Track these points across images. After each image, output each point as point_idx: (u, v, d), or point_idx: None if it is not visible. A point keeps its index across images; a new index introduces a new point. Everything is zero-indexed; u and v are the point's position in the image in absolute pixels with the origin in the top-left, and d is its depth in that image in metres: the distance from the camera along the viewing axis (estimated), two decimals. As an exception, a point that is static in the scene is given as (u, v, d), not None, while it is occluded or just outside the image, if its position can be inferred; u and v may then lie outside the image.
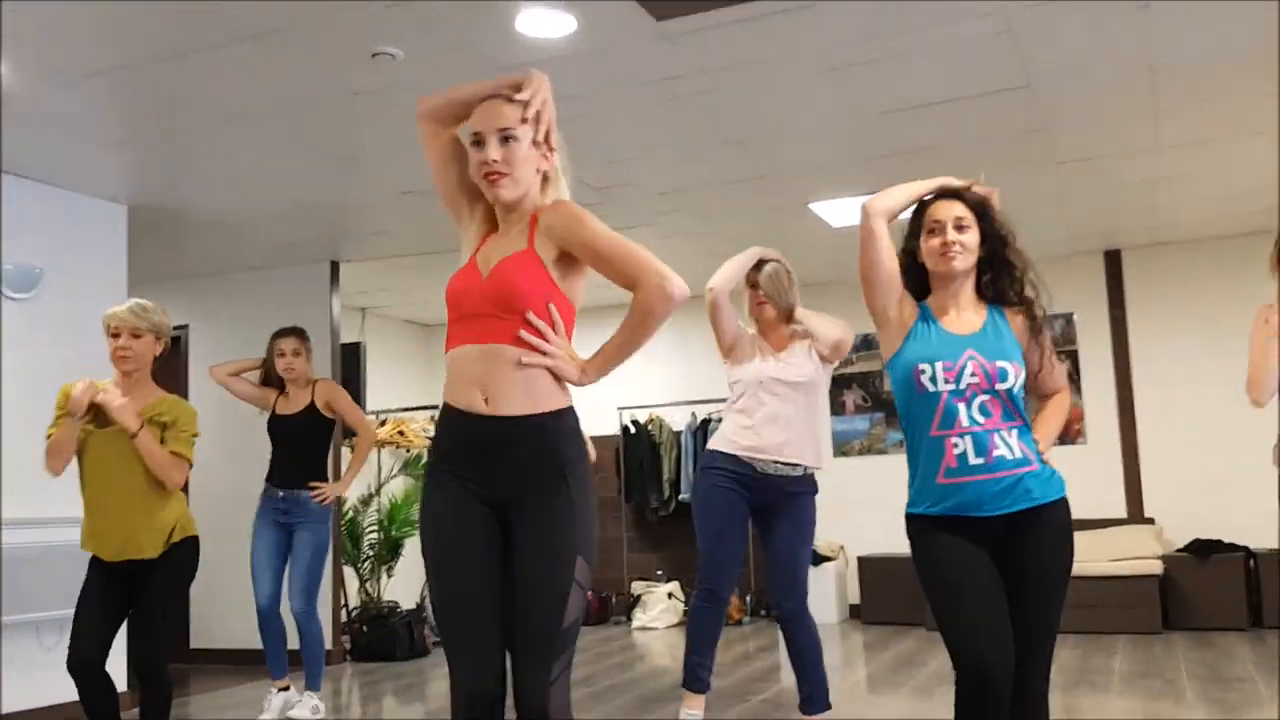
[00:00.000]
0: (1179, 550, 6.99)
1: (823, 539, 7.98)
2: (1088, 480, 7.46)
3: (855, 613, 7.89)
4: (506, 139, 2.17)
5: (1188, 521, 7.13)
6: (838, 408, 8.23)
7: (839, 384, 8.23)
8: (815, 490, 3.97)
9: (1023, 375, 2.46)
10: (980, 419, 2.40)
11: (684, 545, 7.87)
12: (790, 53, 4.11)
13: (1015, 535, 2.41)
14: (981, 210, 2.54)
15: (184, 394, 7.27)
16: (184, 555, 3.55)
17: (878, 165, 5.51)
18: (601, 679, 5.76)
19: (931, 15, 3.83)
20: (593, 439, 4.73)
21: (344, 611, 7.12)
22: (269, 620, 4.80)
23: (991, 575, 2.41)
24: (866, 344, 8.15)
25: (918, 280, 2.59)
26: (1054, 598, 2.44)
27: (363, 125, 4.71)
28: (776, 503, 3.89)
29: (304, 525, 4.84)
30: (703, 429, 8.22)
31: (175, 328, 7.45)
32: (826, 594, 7.73)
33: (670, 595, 8.17)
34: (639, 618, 8.15)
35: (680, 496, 8.24)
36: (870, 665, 6.05)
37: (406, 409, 8.20)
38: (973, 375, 2.42)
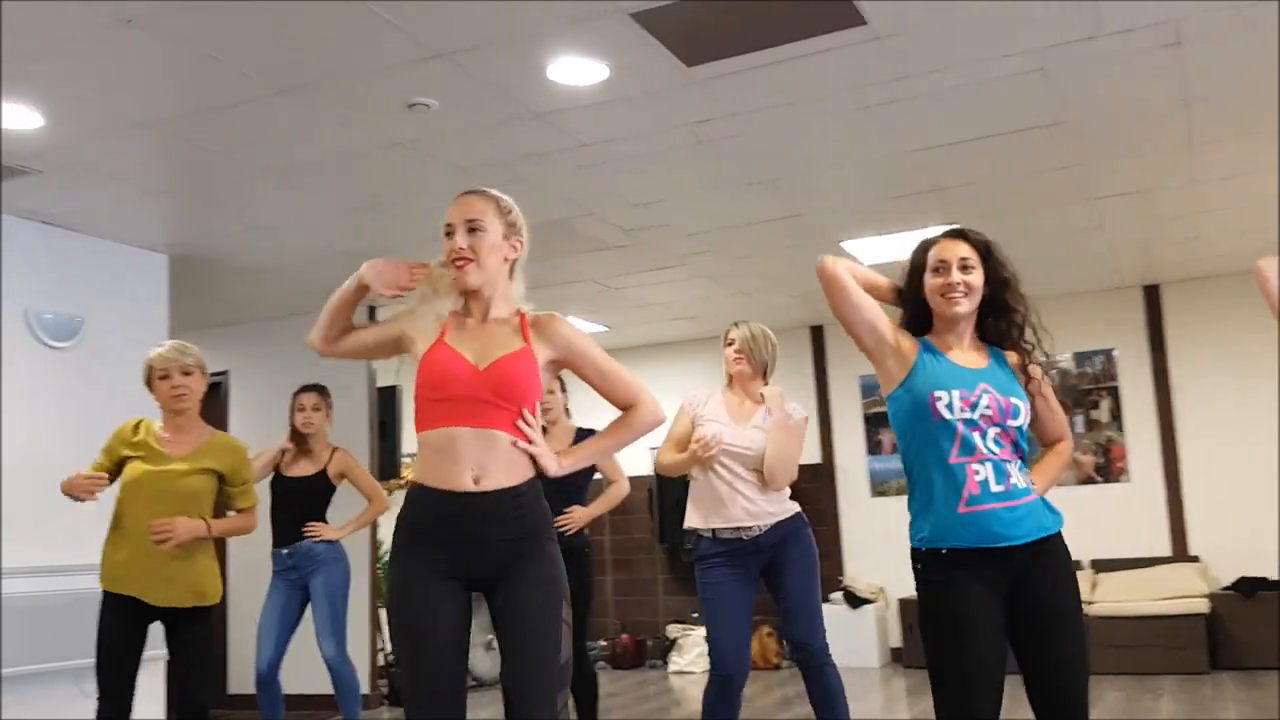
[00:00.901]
0: (1225, 588, 6.84)
1: (861, 581, 7.90)
2: (1131, 518, 7.35)
3: (896, 656, 7.77)
4: (474, 229, 2.41)
5: (1233, 559, 6.98)
6: (874, 447, 8.17)
7: (875, 423, 8.17)
8: (804, 523, 3.87)
9: (1029, 417, 2.48)
10: (995, 450, 2.40)
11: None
12: (821, 94, 4.13)
13: (1034, 567, 2.38)
14: (986, 251, 2.53)
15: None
16: (215, 607, 3.61)
17: (910, 202, 5.50)
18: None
19: (963, 55, 3.84)
20: (629, 479, 4.72)
21: (380, 655, 7.11)
22: (267, 684, 4.76)
23: (997, 638, 2.36)
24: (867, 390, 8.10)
25: (919, 317, 2.58)
26: (1080, 628, 2.41)
27: (398, 174, 4.78)
28: (774, 557, 3.78)
29: (316, 572, 4.84)
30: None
31: (215, 374, 7.60)
32: (867, 637, 7.62)
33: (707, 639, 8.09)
34: (675, 661, 8.07)
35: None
36: (913, 710, 5.95)
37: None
38: (987, 408, 2.41)
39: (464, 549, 2.30)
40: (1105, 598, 6.90)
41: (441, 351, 2.36)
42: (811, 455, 8.40)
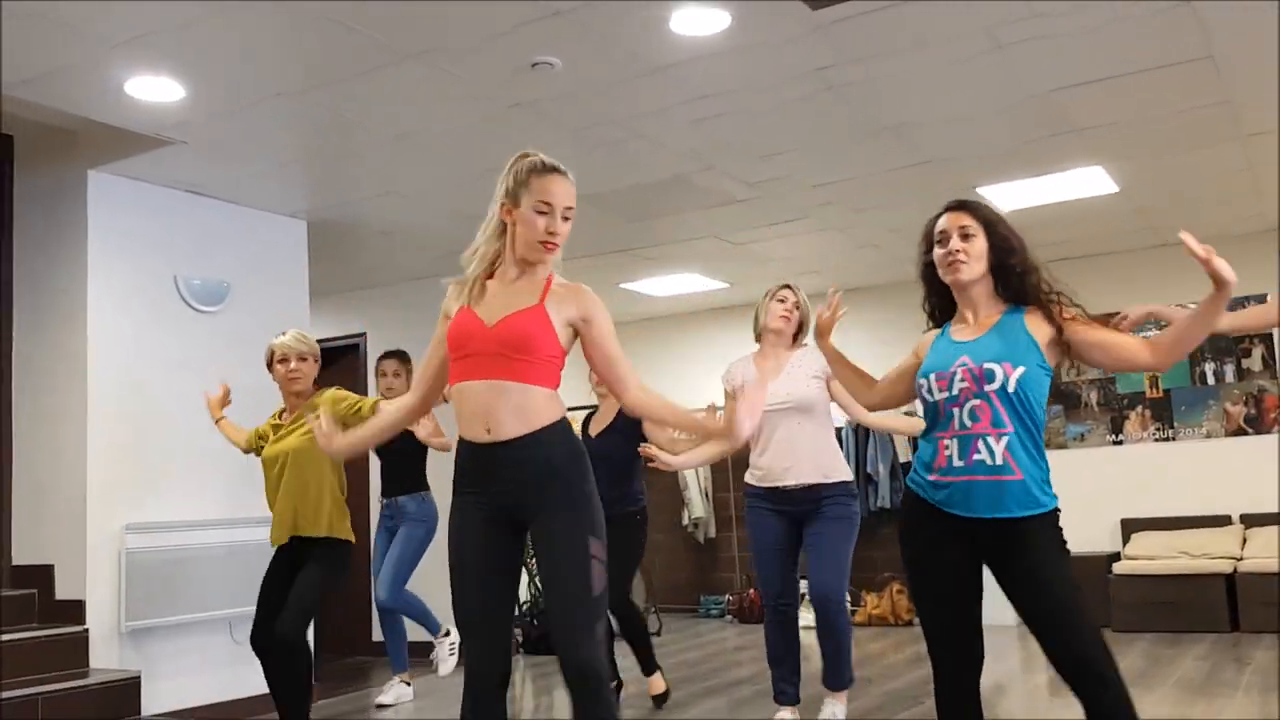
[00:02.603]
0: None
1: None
2: (1286, 472, 6.97)
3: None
4: (567, 218, 2.58)
5: (1405, 516, 6.56)
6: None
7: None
8: (852, 495, 4.19)
9: (1020, 374, 2.45)
10: (969, 423, 2.47)
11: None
12: (951, 35, 3.98)
13: (1000, 541, 2.46)
14: (987, 219, 2.60)
15: (363, 394, 7.63)
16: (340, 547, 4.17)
17: (1047, 145, 5.28)
18: (765, 679, 5.73)
19: (1103, -14, 3.64)
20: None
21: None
22: (384, 617, 5.41)
23: (951, 585, 2.54)
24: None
25: (942, 293, 2.68)
26: (1052, 587, 2.43)
27: (521, 136, 4.80)
28: (808, 516, 4.13)
29: (401, 525, 5.34)
30: (863, 431, 8.04)
31: (353, 335, 7.87)
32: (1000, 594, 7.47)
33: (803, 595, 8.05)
34: (804, 616, 8.03)
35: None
36: (1050, 669, 5.80)
37: (572, 408, 8.33)
38: (962, 380, 2.49)
39: (493, 491, 2.51)
40: (1256, 554, 6.58)
41: (462, 315, 2.56)
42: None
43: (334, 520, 4.10)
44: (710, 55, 4.04)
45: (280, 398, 4.30)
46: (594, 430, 5.06)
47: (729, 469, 8.75)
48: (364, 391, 7.71)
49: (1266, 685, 4.88)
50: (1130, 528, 7.24)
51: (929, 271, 2.67)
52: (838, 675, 4.21)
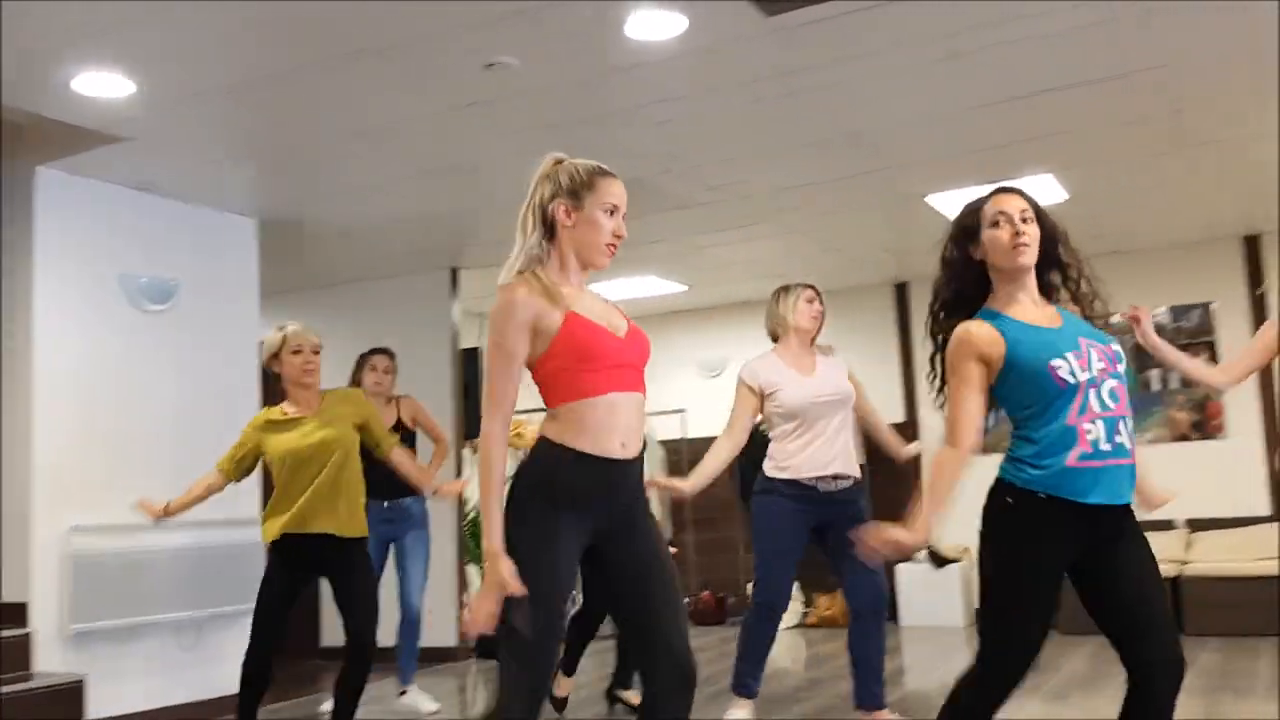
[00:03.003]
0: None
1: (946, 540, 7.80)
2: (1228, 477, 7.12)
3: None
4: (625, 218, 2.50)
5: (1341, 519, 6.73)
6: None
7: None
8: (861, 492, 4.18)
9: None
10: (1111, 404, 2.38)
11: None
12: (905, 42, 4.02)
13: (1119, 528, 2.41)
14: (1038, 206, 2.53)
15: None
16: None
17: (1001, 154, 5.35)
18: (723, 679, 5.74)
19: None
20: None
21: (465, 611, 7.27)
22: (414, 627, 5.22)
23: (1058, 583, 2.46)
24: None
25: (969, 289, 2.55)
26: (1158, 578, 2.46)
27: (477, 135, 4.80)
28: (837, 517, 4.00)
29: (411, 529, 5.20)
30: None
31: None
32: (950, 596, 7.56)
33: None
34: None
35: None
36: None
37: (525, 411, 8.29)
38: (1099, 361, 2.40)
39: (604, 512, 2.39)
40: (1199, 557, 6.72)
41: (583, 322, 2.38)
42: (896, 414, 8.28)
43: (364, 520, 4.00)
44: (668, 58, 4.05)
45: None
46: None
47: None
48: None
49: (1211, 687, 4.99)
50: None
51: (963, 262, 2.55)
52: (874, 692, 4.08)
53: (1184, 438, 7.33)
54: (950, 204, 6.16)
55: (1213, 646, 6.07)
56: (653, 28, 3.79)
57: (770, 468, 4.11)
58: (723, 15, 3.73)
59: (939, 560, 7.61)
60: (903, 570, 7.66)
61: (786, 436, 4.08)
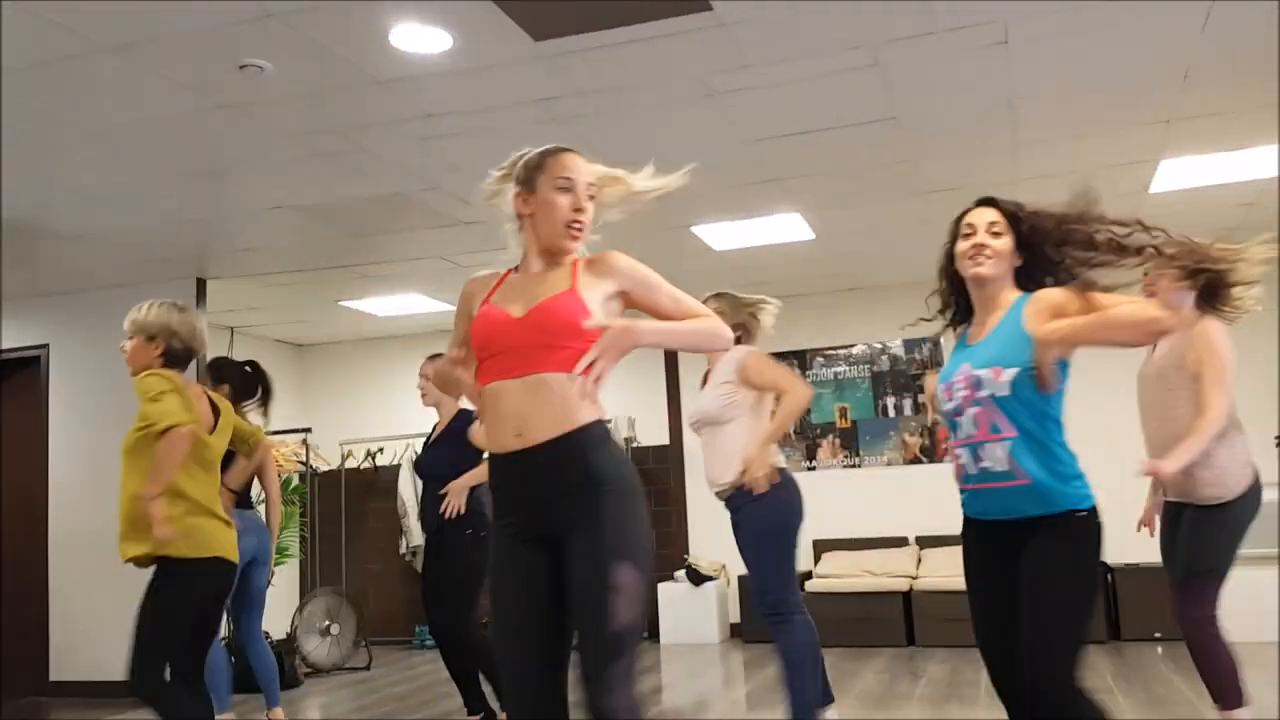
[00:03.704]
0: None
1: (705, 558, 8.05)
2: (955, 497, 7.68)
3: (736, 631, 7.96)
4: (591, 197, 2.33)
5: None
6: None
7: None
8: (753, 498, 3.86)
9: (1009, 375, 2.38)
10: (971, 431, 2.46)
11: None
12: (667, 78, 4.16)
13: (1021, 541, 2.43)
14: (1016, 216, 2.56)
15: (44, 417, 6.96)
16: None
17: (755, 190, 5.61)
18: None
19: (804, 47, 3.92)
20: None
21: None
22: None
23: (992, 595, 2.53)
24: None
25: (960, 295, 2.65)
26: (1044, 589, 2.38)
27: (231, 139, 4.57)
28: (737, 521, 3.98)
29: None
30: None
31: (34, 347, 7.17)
32: (708, 613, 7.79)
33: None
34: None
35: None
36: (750, 683, 6.10)
37: (276, 432, 7.96)
38: (961, 388, 2.47)
39: (525, 508, 2.22)
40: (929, 573, 7.23)
41: (486, 310, 2.30)
42: (660, 437, 8.50)
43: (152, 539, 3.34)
44: (434, 74, 4.00)
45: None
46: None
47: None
48: (45, 407, 7.04)
49: (938, 696, 5.35)
50: (821, 548, 7.78)
51: (951, 266, 2.63)
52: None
53: (916, 460, 7.90)
54: (714, 236, 6.41)
55: (940, 658, 6.54)
56: (418, 41, 3.73)
57: (785, 461, 3.96)
58: (491, 36, 3.73)
59: (697, 578, 7.84)
60: (663, 589, 7.83)
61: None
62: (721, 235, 6.41)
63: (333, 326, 8.91)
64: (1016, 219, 2.55)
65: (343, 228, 5.96)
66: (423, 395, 4.85)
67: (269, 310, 8.16)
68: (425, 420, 4.80)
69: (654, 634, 7.82)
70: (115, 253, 6.19)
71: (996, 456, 2.40)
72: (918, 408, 7.96)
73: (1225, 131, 5.06)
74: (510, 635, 2.18)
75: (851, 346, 8.10)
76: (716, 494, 4.00)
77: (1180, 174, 5.60)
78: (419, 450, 4.82)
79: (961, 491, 2.54)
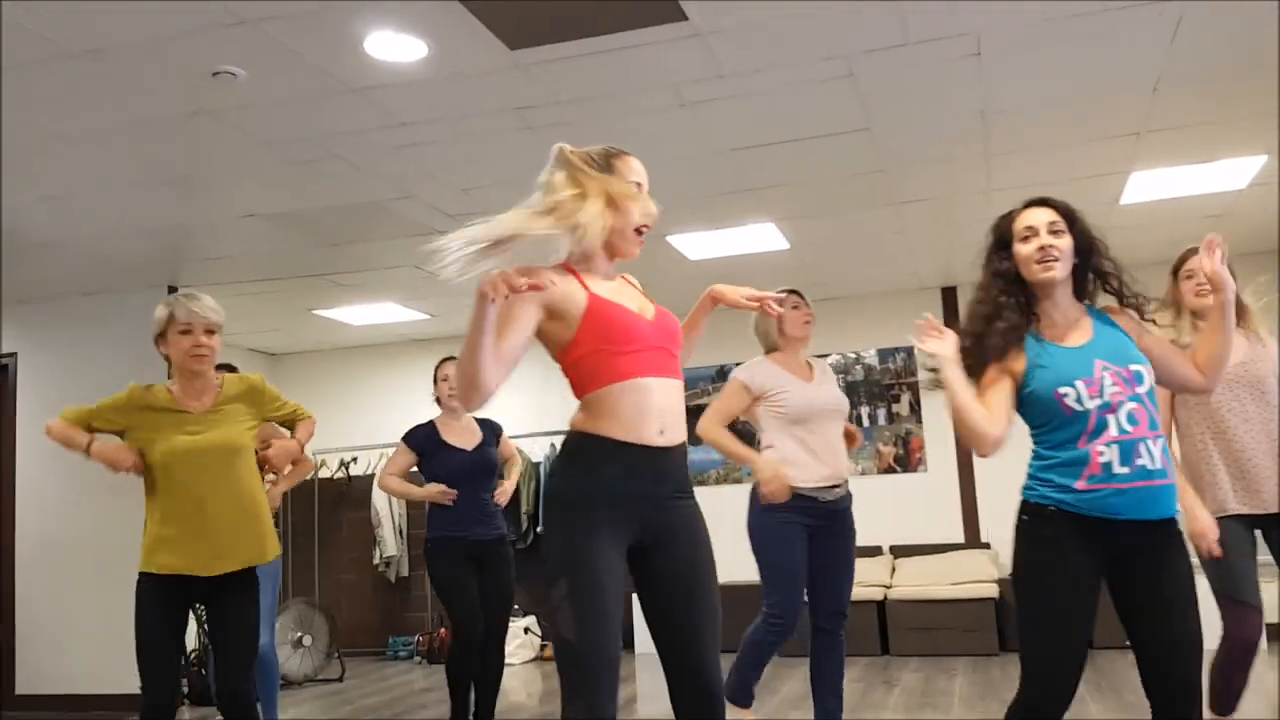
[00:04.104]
0: (1013, 574, 7.27)
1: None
2: (928, 507, 7.77)
3: (710, 642, 7.93)
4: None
5: (1021, 546, 7.44)
6: (694, 438, 8.30)
7: (695, 415, 8.30)
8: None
9: (1152, 377, 2.43)
10: (1129, 427, 2.37)
11: (542, 580, 7.77)
12: (643, 87, 4.17)
13: (1141, 543, 2.39)
14: (1071, 215, 2.52)
15: (11, 429, 6.87)
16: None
17: (730, 200, 5.63)
18: (452, 717, 5.62)
19: (779, 57, 3.94)
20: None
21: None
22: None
23: (1088, 601, 2.40)
24: (722, 375, 8.28)
25: (1021, 295, 2.53)
26: (1192, 600, 2.39)
27: (202, 146, 4.54)
28: (831, 524, 3.93)
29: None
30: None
31: (2, 356, 7.08)
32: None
33: (526, 630, 8.06)
34: (493, 653, 7.99)
35: (539, 529, 8.14)
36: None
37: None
38: (1113, 384, 2.39)
39: (641, 506, 2.22)
40: (903, 582, 7.26)
41: (610, 305, 2.25)
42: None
43: (273, 540, 3.35)
44: (409, 83, 3.99)
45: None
46: (459, 440, 4.60)
47: (425, 505, 8.58)
48: (12, 420, 6.95)
49: (913, 704, 5.37)
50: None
51: (1006, 276, 2.52)
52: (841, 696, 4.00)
53: (890, 470, 7.93)
54: (687, 246, 6.42)
55: (914, 666, 6.56)
56: (393, 49, 3.72)
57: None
58: (466, 45, 3.72)
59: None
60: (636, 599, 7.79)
61: (787, 443, 3.89)
62: (697, 245, 6.42)
63: (306, 335, 8.85)
64: (1073, 217, 2.52)
65: (316, 236, 5.92)
66: (445, 398, 4.62)
67: (242, 319, 8.09)
68: (399, 429, 4.72)
69: (628, 644, 7.81)
70: (85, 260, 6.13)
71: (1154, 454, 2.37)
72: (892, 417, 8.00)
73: (1194, 144, 5.13)
74: (602, 624, 2.16)
75: (825, 356, 8.07)
76: (833, 490, 3.90)
77: (1150, 186, 5.66)
78: (451, 456, 4.56)
79: (1093, 491, 2.36)
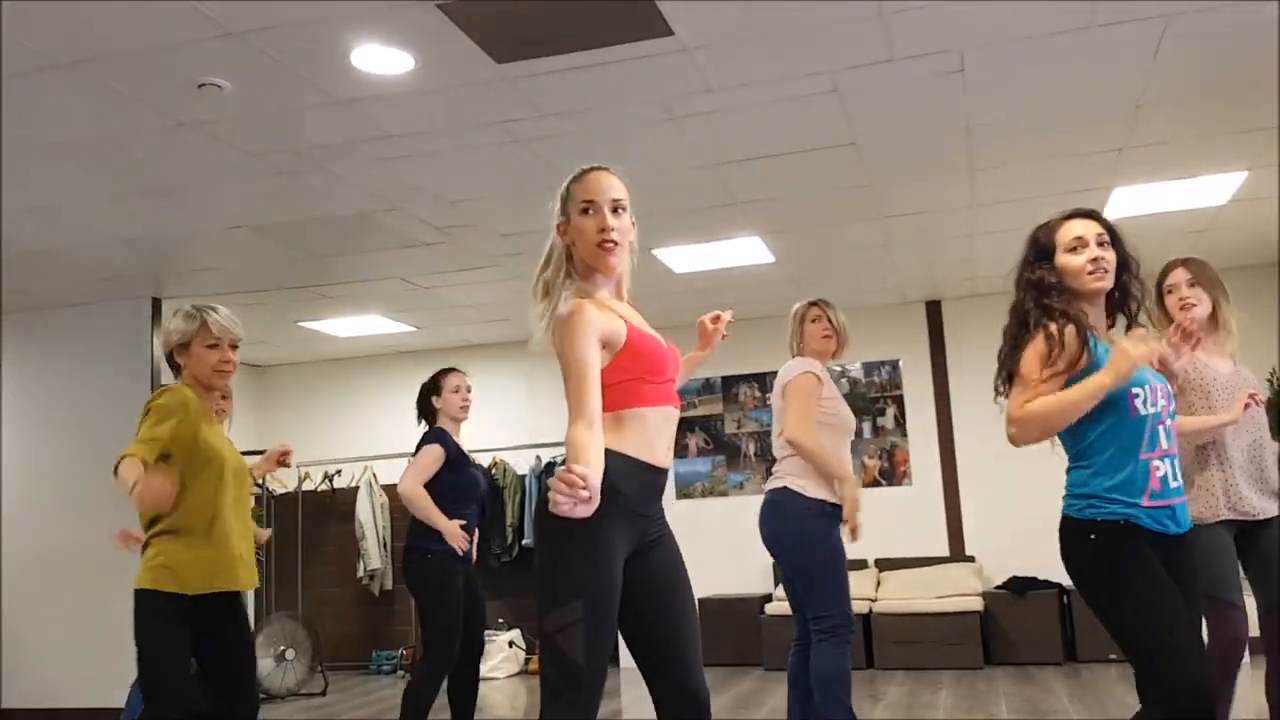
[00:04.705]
0: (998, 587, 7.32)
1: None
2: (912, 520, 7.78)
3: (695, 655, 7.91)
4: (617, 209, 2.34)
5: (1005, 559, 7.47)
6: (680, 451, 8.33)
7: (682, 427, 8.33)
8: None
9: None
10: (1168, 445, 2.41)
11: (528, 593, 7.76)
12: (628, 101, 4.18)
13: (1172, 558, 2.41)
14: (1115, 231, 2.52)
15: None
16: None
17: (716, 214, 5.65)
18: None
19: (764, 72, 3.97)
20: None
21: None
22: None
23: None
24: (708, 388, 8.29)
25: (1050, 304, 2.48)
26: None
27: (187, 157, 4.53)
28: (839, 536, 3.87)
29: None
30: (548, 472, 8.14)
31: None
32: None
33: (511, 644, 8.03)
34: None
35: (524, 542, 8.12)
36: (716, 702, 6.07)
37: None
38: (1162, 399, 2.40)
39: (646, 522, 2.30)
40: (888, 595, 7.26)
41: (645, 335, 2.33)
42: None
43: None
44: (396, 95, 4.00)
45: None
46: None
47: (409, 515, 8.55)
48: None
49: (898, 718, 5.36)
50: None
51: (1036, 281, 2.50)
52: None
53: (875, 483, 7.95)
54: (674, 259, 6.43)
55: (899, 680, 6.56)
56: (380, 62, 3.73)
57: (809, 487, 3.74)
58: (452, 58, 3.73)
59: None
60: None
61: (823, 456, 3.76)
62: (682, 258, 6.43)
63: (292, 347, 8.82)
64: (1115, 232, 2.52)
65: (302, 248, 5.91)
66: (456, 410, 4.43)
67: (226, 330, 8.07)
68: (383, 442, 4.65)
69: (614, 658, 7.78)
70: (71, 271, 6.10)
71: (1179, 470, 2.44)
72: (877, 430, 8.02)
73: (1176, 160, 5.17)
74: (607, 645, 2.19)
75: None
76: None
77: (1133, 201, 5.71)
78: (470, 469, 4.41)
79: (1154, 508, 2.37)
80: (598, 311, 2.24)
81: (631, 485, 2.22)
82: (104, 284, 6.41)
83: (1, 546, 6.76)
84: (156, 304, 6.79)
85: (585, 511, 1.92)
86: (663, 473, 2.33)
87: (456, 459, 4.31)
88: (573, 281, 2.33)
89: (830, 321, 4.00)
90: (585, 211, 2.33)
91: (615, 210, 2.34)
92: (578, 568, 2.15)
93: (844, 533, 3.80)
